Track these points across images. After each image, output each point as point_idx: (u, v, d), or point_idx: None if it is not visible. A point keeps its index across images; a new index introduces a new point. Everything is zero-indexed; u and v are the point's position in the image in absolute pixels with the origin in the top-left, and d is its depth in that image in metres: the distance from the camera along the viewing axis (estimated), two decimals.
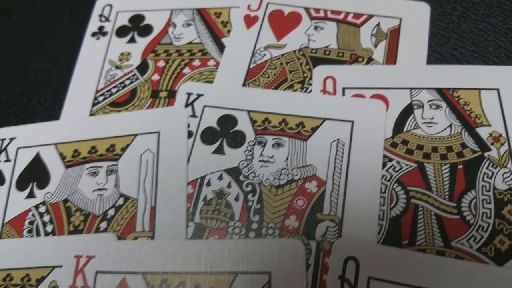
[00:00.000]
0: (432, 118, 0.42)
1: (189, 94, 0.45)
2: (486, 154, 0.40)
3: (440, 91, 0.43)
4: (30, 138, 0.46)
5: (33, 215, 0.43)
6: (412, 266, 0.36)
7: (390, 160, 0.40)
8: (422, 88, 0.43)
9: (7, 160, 0.46)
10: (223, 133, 0.43)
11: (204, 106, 0.45)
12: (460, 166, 0.40)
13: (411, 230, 0.38)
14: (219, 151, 0.43)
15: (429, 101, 0.42)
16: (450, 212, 0.38)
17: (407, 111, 0.42)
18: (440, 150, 0.40)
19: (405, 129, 0.41)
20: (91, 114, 0.47)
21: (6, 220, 0.43)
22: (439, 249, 0.37)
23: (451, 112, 0.42)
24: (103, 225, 0.41)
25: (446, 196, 0.39)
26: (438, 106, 0.42)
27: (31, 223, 0.42)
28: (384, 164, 0.40)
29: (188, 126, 0.44)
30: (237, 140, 0.43)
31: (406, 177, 0.40)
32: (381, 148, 0.40)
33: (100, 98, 0.47)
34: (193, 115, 0.44)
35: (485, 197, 0.38)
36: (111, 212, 0.41)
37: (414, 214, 0.38)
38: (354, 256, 0.37)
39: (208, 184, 0.42)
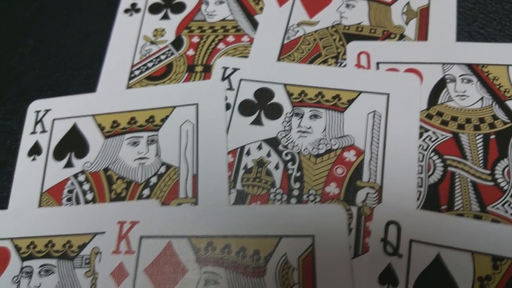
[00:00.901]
0: (464, 92, 0.43)
1: (225, 68, 0.46)
2: None
3: (471, 67, 0.44)
4: (66, 110, 0.47)
5: (72, 184, 0.43)
6: (452, 229, 0.37)
7: (426, 130, 0.42)
8: (453, 64, 0.45)
9: (43, 131, 0.46)
10: (260, 105, 0.44)
11: (241, 80, 0.46)
12: (492, 137, 0.41)
13: (449, 196, 0.39)
14: (257, 122, 0.44)
15: (460, 76, 0.44)
16: (485, 179, 0.39)
17: (440, 85, 0.44)
18: (473, 121, 0.42)
19: (439, 102, 0.43)
20: (128, 87, 0.47)
21: (44, 189, 0.43)
22: (476, 214, 0.38)
23: (482, 86, 0.43)
24: (146, 192, 0.42)
25: (480, 164, 0.40)
26: (469, 81, 0.44)
27: (70, 191, 0.43)
28: (421, 135, 0.41)
29: (226, 98, 0.45)
30: (274, 112, 0.44)
31: (442, 146, 0.41)
32: (417, 119, 0.42)
33: (137, 72, 0.48)
34: (230, 88, 0.45)
35: None
36: (154, 179, 0.42)
37: (451, 181, 0.40)
38: (395, 221, 0.38)
39: (248, 153, 0.42)
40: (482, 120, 0.42)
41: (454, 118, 0.42)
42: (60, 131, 0.46)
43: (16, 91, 0.49)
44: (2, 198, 0.44)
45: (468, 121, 0.42)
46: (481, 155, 0.40)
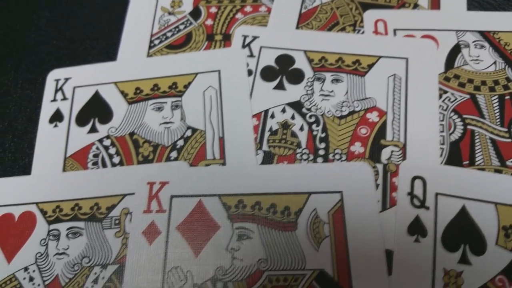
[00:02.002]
0: (478, 56, 0.45)
1: (245, 37, 0.47)
2: None
3: (482, 33, 0.46)
4: (87, 78, 0.47)
5: (97, 148, 0.43)
6: (475, 183, 0.39)
7: (445, 92, 0.43)
8: (466, 31, 0.46)
9: (64, 99, 0.46)
10: (282, 71, 0.45)
11: (261, 47, 0.47)
12: (507, 97, 0.43)
13: (470, 152, 0.41)
14: (280, 87, 0.44)
15: (473, 42, 0.46)
16: (502, 136, 0.41)
17: (455, 50, 0.45)
18: (488, 84, 0.44)
19: (455, 65, 0.44)
20: (149, 56, 0.48)
21: (68, 155, 0.43)
22: (497, 168, 0.40)
23: (494, 51, 0.45)
24: (173, 154, 0.42)
25: (497, 122, 0.42)
26: (482, 46, 0.45)
27: (95, 156, 0.43)
28: (440, 96, 0.43)
29: (247, 65, 0.46)
30: (296, 77, 0.45)
31: (461, 106, 0.43)
32: (436, 81, 0.43)
33: (156, 41, 0.48)
34: (251, 55, 0.46)
35: None
36: (180, 142, 0.43)
37: (471, 138, 0.41)
38: (420, 176, 0.39)
39: (272, 116, 0.43)
40: (496, 82, 0.44)
41: (470, 81, 0.44)
42: (82, 98, 0.46)
43: (33, 61, 0.49)
44: (24, 165, 0.44)
45: (484, 83, 0.44)
46: (497, 114, 0.42)
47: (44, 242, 0.39)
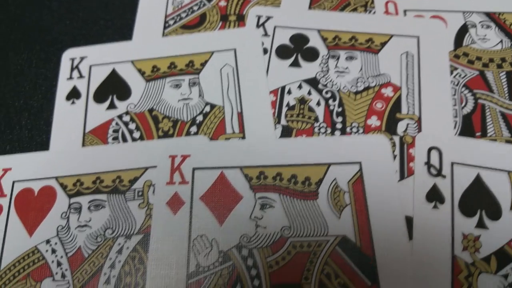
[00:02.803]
0: (485, 36, 0.47)
1: (259, 17, 0.48)
2: None
3: (488, 14, 0.48)
4: (103, 57, 0.47)
5: (116, 124, 0.43)
6: (488, 152, 0.40)
7: (455, 68, 0.45)
8: (472, 12, 0.48)
9: (81, 77, 0.46)
10: (297, 49, 0.46)
11: (275, 27, 0.48)
12: None
13: (482, 124, 0.42)
14: (295, 64, 0.45)
15: (480, 22, 0.47)
16: (511, 109, 0.43)
17: (463, 30, 0.47)
18: (496, 61, 0.45)
19: (464, 44, 0.46)
20: (164, 36, 0.48)
21: (87, 130, 0.43)
22: (508, 139, 0.41)
23: (500, 31, 0.47)
24: (193, 129, 0.43)
25: (506, 96, 0.43)
26: (488, 26, 0.47)
27: (115, 131, 0.43)
28: (451, 72, 0.44)
29: (262, 44, 0.46)
30: (311, 54, 0.46)
31: (471, 82, 0.44)
32: (446, 57, 0.45)
33: (171, 22, 0.49)
34: (265, 34, 0.47)
35: None
36: (199, 118, 0.43)
37: (482, 112, 0.43)
38: (436, 146, 0.41)
39: (289, 92, 0.44)
40: (503, 59, 0.45)
41: (478, 58, 0.45)
42: (99, 76, 0.46)
43: (47, 41, 0.49)
44: (41, 141, 0.44)
45: (491, 60, 0.45)
46: (506, 89, 0.44)
47: (65, 215, 0.39)
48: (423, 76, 0.44)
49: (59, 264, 0.38)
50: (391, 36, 0.46)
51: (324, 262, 0.37)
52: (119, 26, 0.49)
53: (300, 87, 0.44)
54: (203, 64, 0.46)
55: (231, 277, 0.36)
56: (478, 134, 0.42)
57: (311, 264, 0.36)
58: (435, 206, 0.38)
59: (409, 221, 0.38)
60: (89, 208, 0.40)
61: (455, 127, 0.42)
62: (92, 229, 0.39)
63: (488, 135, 0.42)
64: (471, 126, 0.42)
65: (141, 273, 0.37)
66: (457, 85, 0.44)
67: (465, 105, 0.43)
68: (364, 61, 0.45)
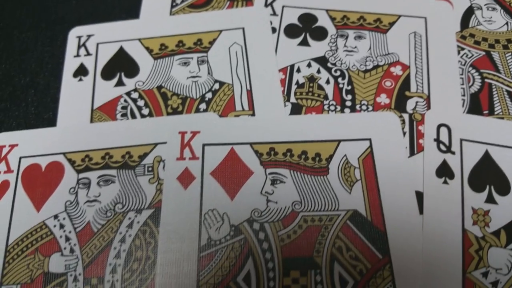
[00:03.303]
0: (491, 18, 0.47)
1: None
2: None
3: None
4: (110, 34, 0.47)
5: (125, 100, 0.43)
6: (496, 129, 0.41)
7: (462, 49, 0.45)
8: None
9: (88, 54, 0.46)
10: (306, 28, 0.46)
11: (283, 7, 0.48)
12: None
13: (489, 103, 0.42)
14: (304, 43, 0.46)
15: (485, 4, 0.48)
16: None
17: (469, 12, 0.47)
18: (502, 42, 0.46)
19: (470, 25, 0.46)
20: (171, 14, 0.48)
21: (95, 107, 0.43)
22: None
23: (505, 13, 0.47)
24: (202, 106, 0.42)
25: None
26: (493, 8, 0.48)
27: (124, 108, 0.43)
28: (458, 52, 0.45)
29: (270, 23, 0.46)
30: (320, 34, 0.46)
31: (477, 62, 0.44)
32: (453, 37, 0.45)
33: (178, 1, 0.49)
34: (273, 14, 0.47)
35: None
36: (209, 95, 0.43)
37: (489, 90, 0.43)
38: (445, 123, 0.41)
39: (298, 70, 0.44)
40: (509, 40, 0.46)
41: (484, 39, 0.46)
42: (106, 54, 0.46)
43: (53, 20, 0.49)
44: (48, 118, 0.43)
45: (497, 41, 0.46)
46: None
47: (74, 191, 0.39)
48: (431, 55, 0.44)
49: (67, 239, 0.37)
50: (399, 16, 0.46)
51: (335, 236, 0.37)
52: (126, 5, 0.49)
53: (309, 65, 0.44)
54: (211, 43, 0.46)
55: (243, 250, 0.36)
56: (485, 112, 0.42)
57: (322, 238, 0.37)
58: (445, 182, 0.38)
59: (419, 196, 0.38)
60: (98, 183, 0.39)
61: (463, 105, 0.42)
62: (102, 204, 0.38)
63: (496, 113, 0.42)
64: (478, 104, 0.42)
65: (152, 246, 0.36)
66: (464, 65, 0.44)
67: (472, 84, 0.43)
68: (373, 41, 0.45)
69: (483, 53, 0.45)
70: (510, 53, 0.45)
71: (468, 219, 0.37)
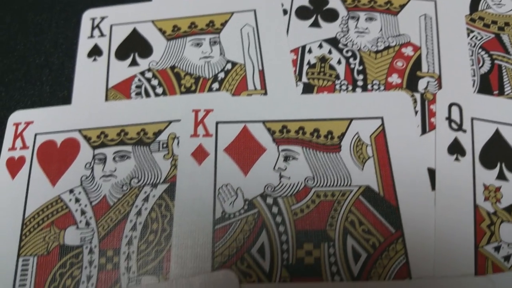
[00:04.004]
0: (500, 1, 0.48)
1: None
2: None
3: None
4: (123, 17, 0.47)
5: (139, 80, 0.44)
6: (506, 109, 0.41)
7: (472, 31, 0.45)
8: None
9: (102, 36, 0.46)
10: (317, 10, 0.47)
11: None
12: None
13: (499, 83, 0.43)
14: (315, 24, 0.46)
15: None
16: None
17: None
18: (511, 25, 0.46)
19: (479, 9, 0.47)
20: None
21: (110, 86, 0.44)
22: None
23: None
24: (215, 85, 0.43)
25: None
26: None
27: (138, 87, 0.43)
28: (467, 35, 0.45)
29: (282, 5, 0.47)
30: (331, 15, 0.46)
31: (487, 44, 0.45)
32: (463, 20, 0.46)
33: None
34: None
35: None
36: (221, 75, 0.43)
37: (499, 71, 0.43)
38: (457, 102, 0.41)
39: (310, 51, 0.45)
40: None
41: (494, 22, 0.46)
42: (120, 35, 0.46)
43: (67, 2, 0.49)
44: (63, 97, 0.44)
45: (507, 24, 0.46)
46: None
47: (90, 166, 0.40)
48: (442, 37, 0.45)
49: (83, 212, 0.38)
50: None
51: (348, 210, 0.37)
52: None
53: (320, 46, 0.45)
54: (223, 24, 0.46)
55: (257, 223, 0.37)
56: (495, 92, 0.42)
57: (335, 212, 0.37)
58: (456, 159, 0.39)
59: (431, 172, 0.38)
60: (114, 158, 0.40)
61: (473, 85, 0.43)
62: (117, 178, 0.39)
63: (506, 93, 0.42)
64: (488, 84, 0.43)
65: (167, 219, 0.37)
66: (473, 46, 0.45)
67: (482, 65, 0.44)
68: (384, 22, 0.46)
69: (493, 35, 0.45)
70: None
71: (479, 195, 0.38)
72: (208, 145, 0.40)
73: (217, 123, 0.41)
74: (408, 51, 0.44)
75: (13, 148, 0.41)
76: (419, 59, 0.44)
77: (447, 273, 0.35)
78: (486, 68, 0.44)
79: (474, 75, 0.43)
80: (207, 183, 0.38)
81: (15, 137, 0.41)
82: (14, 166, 0.40)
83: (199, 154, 0.39)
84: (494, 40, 0.45)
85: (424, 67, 0.43)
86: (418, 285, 0.34)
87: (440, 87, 0.42)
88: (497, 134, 0.40)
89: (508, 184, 0.38)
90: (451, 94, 0.42)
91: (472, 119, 0.41)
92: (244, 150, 0.40)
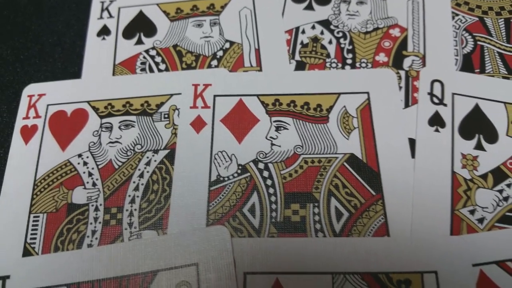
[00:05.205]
0: None
1: None
2: None
3: None
4: (131, 0, 0.51)
5: (144, 57, 0.47)
6: (487, 85, 0.44)
7: (457, 14, 0.48)
8: None
9: (110, 17, 0.50)
10: None
11: None
12: None
13: (481, 63, 0.46)
14: (309, 7, 0.49)
15: None
16: (509, 51, 0.46)
17: None
18: (495, 9, 0.49)
19: None
20: None
21: (117, 62, 0.47)
22: (504, 75, 0.45)
23: None
24: (214, 63, 0.46)
25: (504, 39, 0.47)
26: None
27: (143, 63, 0.47)
28: (452, 18, 0.48)
29: None
30: None
31: (471, 26, 0.48)
32: (449, 4, 0.48)
33: None
34: None
35: None
36: (220, 53, 0.47)
37: (481, 52, 0.46)
38: (439, 79, 0.44)
39: (303, 32, 0.48)
40: (502, 8, 0.49)
41: (478, 6, 0.49)
42: (127, 16, 0.50)
43: None
44: (74, 72, 0.47)
45: (491, 8, 0.49)
46: (504, 33, 0.47)
47: (97, 133, 0.43)
48: (427, 19, 0.48)
49: (90, 174, 0.41)
50: None
51: (333, 175, 0.40)
52: None
53: (313, 27, 0.48)
54: (223, 7, 0.49)
55: (249, 185, 0.40)
56: (477, 71, 0.45)
57: (321, 176, 0.40)
58: (436, 130, 0.42)
59: (412, 142, 0.41)
60: (119, 127, 0.43)
61: (456, 64, 0.45)
62: (122, 145, 0.42)
63: (487, 71, 0.45)
64: (470, 64, 0.45)
65: (167, 181, 0.40)
66: (458, 29, 0.47)
67: (465, 46, 0.46)
68: (374, 6, 0.49)
69: (477, 19, 0.48)
70: (502, 19, 0.48)
71: (457, 163, 0.40)
72: (206, 116, 0.43)
73: (214, 96, 0.44)
74: (395, 32, 0.47)
75: (26, 117, 0.44)
76: (405, 39, 0.47)
77: (423, 233, 0.37)
78: (469, 48, 0.46)
79: (457, 55, 0.46)
80: (204, 149, 0.41)
81: (29, 108, 0.45)
82: (27, 133, 0.43)
83: (198, 124, 0.42)
84: (478, 23, 0.48)
85: (410, 47, 0.46)
86: (395, 242, 0.37)
87: (424, 65, 0.45)
88: (476, 108, 0.43)
89: (485, 154, 0.41)
90: (434, 71, 0.44)
91: (453, 94, 0.43)
92: (239, 121, 0.43)
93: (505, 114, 0.42)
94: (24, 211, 0.40)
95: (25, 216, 0.40)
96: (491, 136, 0.41)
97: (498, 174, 0.40)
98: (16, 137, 0.43)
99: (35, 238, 0.39)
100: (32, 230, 0.39)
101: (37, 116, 0.44)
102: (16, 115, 0.44)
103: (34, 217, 0.40)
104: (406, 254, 0.36)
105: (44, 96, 0.45)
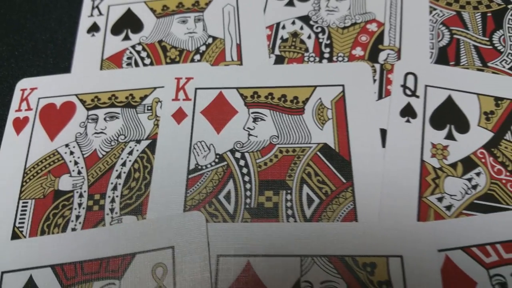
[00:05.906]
0: None
1: None
2: (509, 6, 0.49)
3: None
4: None
5: (130, 52, 0.49)
6: (460, 77, 0.45)
7: (434, 9, 0.49)
8: None
9: (100, 14, 0.52)
10: None
11: None
12: (489, 14, 0.49)
13: (456, 55, 0.47)
14: (290, 4, 0.51)
15: None
16: (484, 44, 0.47)
17: None
18: (472, 3, 0.50)
19: None
20: None
21: (105, 57, 0.49)
22: (479, 68, 0.46)
23: None
24: (197, 57, 0.48)
25: (480, 33, 0.48)
26: None
27: (129, 58, 0.49)
28: (430, 12, 0.49)
29: None
30: None
31: (448, 20, 0.49)
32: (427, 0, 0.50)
33: None
34: None
35: (511, 34, 0.48)
36: (203, 48, 0.49)
37: (457, 44, 0.47)
38: (412, 72, 0.45)
39: (283, 27, 0.49)
40: (479, 2, 0.50)
41: (456, 1, 0.50)
42: (116, 13, 0.52)
43: None
44: (64, 67, 0.50)
45: (468, 3, 0.50)
46: (480, 27, 0.48)
47: (84, 125, 0.45)
48: (405, 14, 0.49)
49: (76, 163, 0.44)
50: None
51: (306, 164, 0.42)
52: None
53: (293, 23, 0.50)
54: (207, 4, 0.51)
55: (225, 174, 0.42)
56: (452, 63, 0.46)
57: (294, 165, 0.42)
58: (407, 121, 0.43)
59: (383, 132, 0.42)
60: (105, 119, 0.45)
61: (431, 57, 0.47)
62: (107, 135, 0.44)
63: (461, 64, 0.46)
64: (445, 56, 0.47)
65: (148, 170, 0.42)
66: (435, 22, 0.49)
67: (441, 39, 0.48)
68: (353, 1, 0.50)
69: (454, 13, 0.49)
70: (479, 13, 0.49)
71: (427, 152, 0.42)
72: (187, 108, 0.45)
73: (196, 89, 0.46)
74: (372, 27, 0.49)
75: (19, 109, 0.47)
76: (382, 34, 0.48)
77: (391, 219, 0.39)
78: (445, 41, 0.47)
79: (432, 48, 0.47)
80: (184, 139, 0.43)
81: (21, 101, 0.47)
82: (19, 124, 0.46)
83: (179, 115, 0.44)
84: (455, 17, 0.49)
85: (386, 41, 0.48)
86: (362, 227, 0.38)
87: (399, 58, 0.46)
88: (449, 99, 0.44)
89: (456, 143, 0.42)
90: (408, 64, 0.46)
91: (426, 86, 0.45)
92: (219, 113, 0.45)
93: (477, 105, 0.44)
94: (14, 197, 0.42)
95: (15, 202, 0.42)
96: (463, 126, 0.43)
97: (468, 163, 0.41)
98: (9, 128, 0.46)
99: (23, 223, 0.41)
100: (21, 215, 0.42)
101: (29, 108, 0.47)
102: (9, 108, 0.47)
103: (23, 203, 0.42)
104: (373, 239, 0.38)
105: (36, 90, 0.48)
